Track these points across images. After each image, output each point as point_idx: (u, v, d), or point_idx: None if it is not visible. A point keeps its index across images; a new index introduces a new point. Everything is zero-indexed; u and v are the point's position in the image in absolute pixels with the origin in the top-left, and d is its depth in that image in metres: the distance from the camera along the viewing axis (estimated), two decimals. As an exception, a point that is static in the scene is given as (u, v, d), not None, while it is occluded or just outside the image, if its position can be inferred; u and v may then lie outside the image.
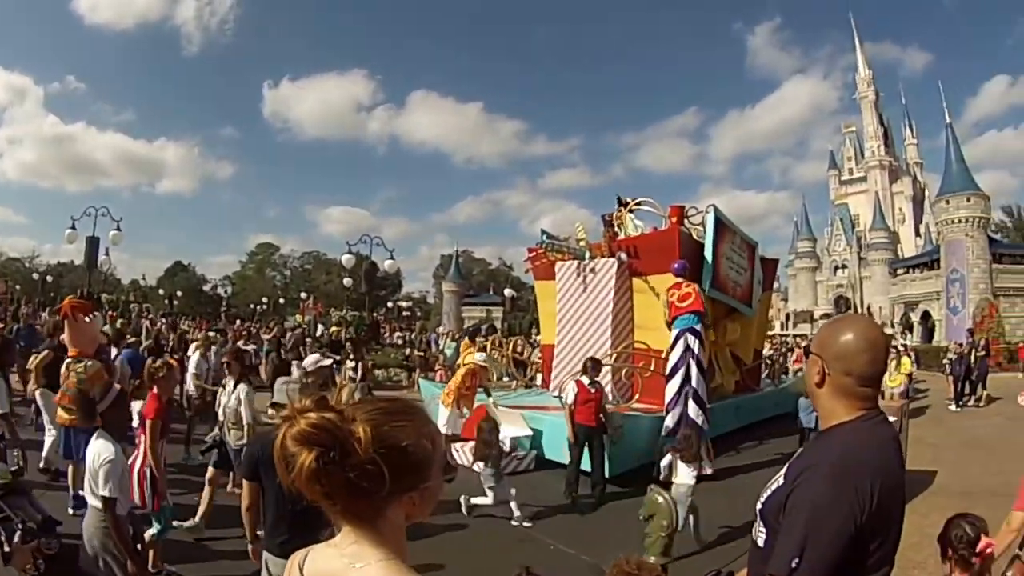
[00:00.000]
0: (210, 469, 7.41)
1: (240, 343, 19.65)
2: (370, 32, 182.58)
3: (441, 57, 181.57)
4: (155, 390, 6.10)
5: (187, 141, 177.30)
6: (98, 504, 4.24)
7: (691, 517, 7.11)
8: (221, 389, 7.71)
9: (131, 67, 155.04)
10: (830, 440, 2.07)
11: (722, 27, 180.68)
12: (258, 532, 4.13)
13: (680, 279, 11.69)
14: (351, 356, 15.71)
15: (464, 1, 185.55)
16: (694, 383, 10.97)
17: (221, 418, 7.50)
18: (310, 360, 8.36)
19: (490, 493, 8.18)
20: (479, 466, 8.44)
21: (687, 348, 11.11)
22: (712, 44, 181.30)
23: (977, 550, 3.35)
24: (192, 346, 13.55)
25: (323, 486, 1.31)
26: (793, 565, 1.85)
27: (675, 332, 11.35)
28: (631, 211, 15.06)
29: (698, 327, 11.26)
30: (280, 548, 3.83)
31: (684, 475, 7.50)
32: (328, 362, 8.07)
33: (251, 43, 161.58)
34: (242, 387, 7.32)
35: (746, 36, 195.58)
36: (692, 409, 10.77)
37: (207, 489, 7.25)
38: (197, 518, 6.98)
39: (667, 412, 10.84)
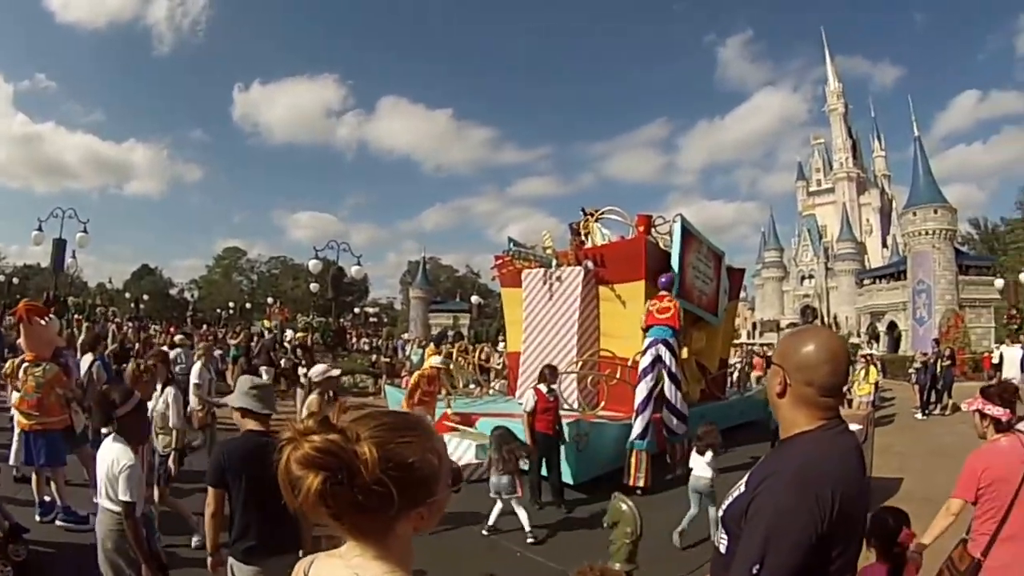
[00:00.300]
0: (154, 489, 6.88)
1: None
2: (341, 37, 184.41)
3: (411, 63, 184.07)
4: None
5: (156, 143, 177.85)
6: (115, 508, 4.20)
7: (711, 509, 7.24)
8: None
9: (102, 67, 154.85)
10: (791, 449, 2.08)
11: (693, 39, 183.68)
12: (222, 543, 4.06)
13: (665, 292, 11.96)
14: (303, 362, 15.57)
15: (435, 8, 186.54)
16: (668, 394, 11.20)
17: None
18: (318, 370, 8.23)
19: (519, 508, 7.88)
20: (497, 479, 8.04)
21: (658, 358, 11.26)
22: (683, 55, 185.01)
23: (899, 540, 3.61)
24: (194, 355, 13.26)
25: (330, 508, 1.29)
26: (754, 571, 1.86)
27: (648, 340, 11.49)
28: (598, 220, 15.05)
29: (672, 340, 11.41)
30: (245, 555, 3.80)
31: (701, 468, 7.70)
32: (336, 372, 7.95)
33: (223, 45, 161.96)
34: (170, 390, 7.17)
35: (717, 48, 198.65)
36: (668, 418, 11.14)
37: (169, 509, 6.94)
38: None
39: (636, 416, 10.92)
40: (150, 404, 6.99)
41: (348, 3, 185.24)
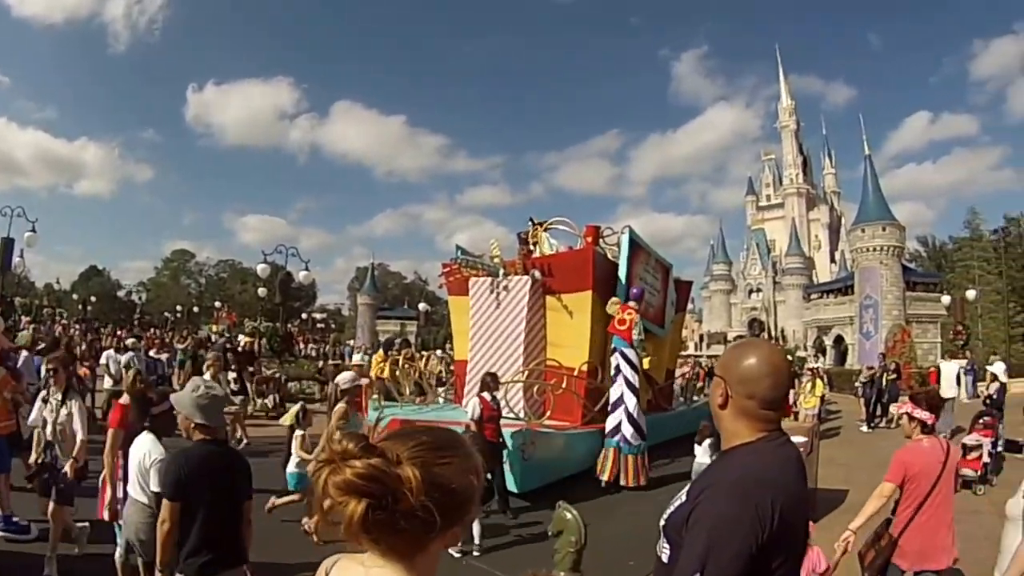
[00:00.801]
0: (50, 504, 6.31)
1: (152, 352, 19.04)
2: (298, 41, 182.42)
3: (367, 69, 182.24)
4: (122, 400, 6.05)
5: (108, 142, 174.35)
6: (145, 500, 4.52)
7: None
8: (43, 404, 6.62)
9: (56, 63, 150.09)
10: (732, 460, 2.10)
11: (649, 52, 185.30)
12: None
13: (631, 304, 12.30)
14: (232, 367, 15.32)
15: (392, 15, 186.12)
16: (626, 401, 11.50)
17: (48, 437, 6.50)
18: (345, 378, 8.04)
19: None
20: None
21: (617, 366, 11.76)
22: (638, 68, 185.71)
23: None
24: (204, 365, 12.89)
25: (371, 533, 1.26)
26: None
27: (612, 347, 12.06)
28: (547, 230, 15.05)
29: (627, 351, 11.75)
30: (200, 570, 3.64)
31: (702, 455, 8.83)
32: (365, 381, 7.76)
33: (179, 45, 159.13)
34: (74, 401, 6.52)
35: (672, 62, 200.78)
36: (624, 427, 11.32)
37: (53, 527, 6.23)
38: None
39: (610, 413, 11.56)
40: (46, 416, 6.53)
41: (306, 7, 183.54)
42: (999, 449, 11.26)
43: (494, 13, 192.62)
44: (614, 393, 11.70)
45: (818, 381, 18.76)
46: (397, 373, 15.01)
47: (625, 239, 13.84)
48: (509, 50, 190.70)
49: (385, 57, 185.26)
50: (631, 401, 11.51)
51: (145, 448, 4.64)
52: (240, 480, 3.91)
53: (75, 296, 70.99)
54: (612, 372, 11.90)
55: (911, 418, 4.86)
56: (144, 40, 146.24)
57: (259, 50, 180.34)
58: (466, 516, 1.35)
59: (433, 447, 1.32)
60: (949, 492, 4.70)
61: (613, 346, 12.05)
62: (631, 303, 12.35)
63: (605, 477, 11.05)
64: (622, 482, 10.99)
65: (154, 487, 4.29)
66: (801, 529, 2.07)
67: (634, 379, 11.73)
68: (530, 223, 15.22)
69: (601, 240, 14.41)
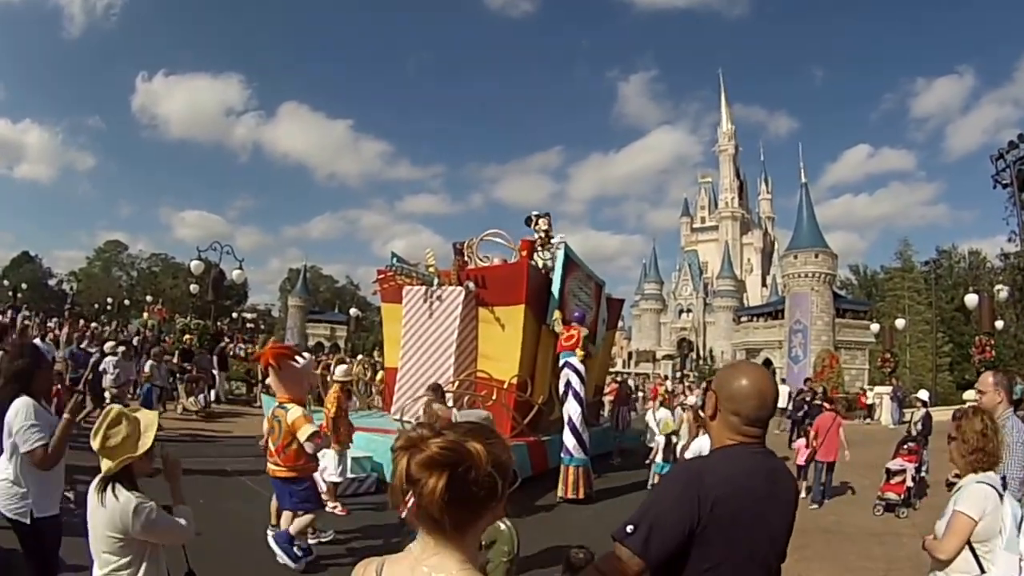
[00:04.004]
0: None
1: (84, 344, 18.51)
2: (251, 39, 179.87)
3: (317, 72, 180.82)
4: None
5: (52, 126, 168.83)
6: None
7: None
8: None
9: (8, 42, 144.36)
10: (704, 457, 2.46)
11: (596, 70, 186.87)
12: None
13: (575, 325, 12.66)
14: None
15: (346, 21, 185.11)
16: (572, 415, 11.63)
17: None
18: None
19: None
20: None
21: (568, 381, 11.98)
22: (585, 87, 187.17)
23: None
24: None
25: (448, 504, 1.46)
26: (629, 531, 2.14)
27: (561, 363, 12.32)
28: (482, 241, 15.13)
29: (576, 363, 12.07)
30: None
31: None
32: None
33: (133, 32, 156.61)
34: None
35: (619, 83, 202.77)
36: (567, 438, 11.45)
37: None
38: None
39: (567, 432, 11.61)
40: None
41: (263, 6, 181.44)
42: (923, 474, 11.67)
43: (447, 26, 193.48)
44: (569, 412, 11.74)
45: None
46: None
47: (560, 254, 13.99)
48: (460, 62, 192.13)
49: (335, 62, 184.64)
50: (575, 412, 11.59)
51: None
52: None
53: (5, 283, 68.58)
54: (562, 387, 12.07)
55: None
56: (100, 26, 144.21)
57: (213, 45, 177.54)
58: (508, 490, 1.58)
59: (480, 431, 1.58)
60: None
61: (562, 363, 12.24)
62: (574, 324, 12.65)
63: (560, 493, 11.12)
64: (559, 493, 11.05)
65: None
66: (759, 533, 2.25)
67: (582, 391, 11.95)
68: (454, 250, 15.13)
69: (535, 254, 14.47)
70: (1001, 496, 3.54)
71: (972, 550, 3.52)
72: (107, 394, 11.80)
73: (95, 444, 3.11)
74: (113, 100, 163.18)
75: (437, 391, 9.85)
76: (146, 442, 3.22)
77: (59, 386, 13.34)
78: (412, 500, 1.49)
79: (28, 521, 4.18)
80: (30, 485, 4.20)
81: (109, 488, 3.13)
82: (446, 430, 1.54)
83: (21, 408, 4.17)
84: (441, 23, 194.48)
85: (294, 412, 6.53)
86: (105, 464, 3.14)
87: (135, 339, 25.85)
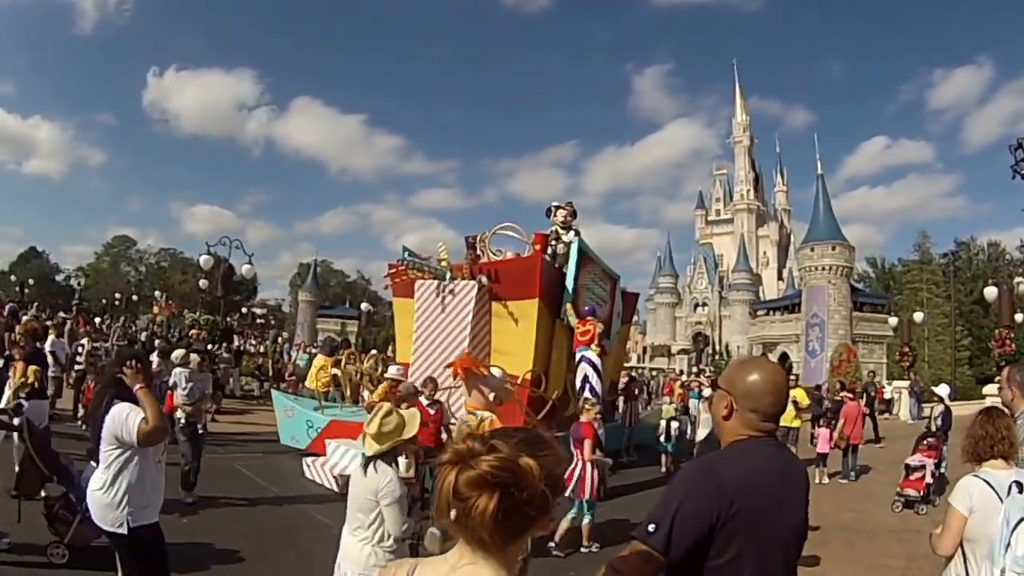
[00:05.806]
0: None
1: (85, 341, 18.33)
2: (265, 34, 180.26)
3: (330, 67, 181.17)
4: None
5: (63, 122, 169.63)
6: None
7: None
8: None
9: (19, 39, 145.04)
10: (721, 451, 2.36)
11: (612, 65, 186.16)
12: None
13: (588, 318, 12.98)
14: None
15: (359, 15, 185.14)
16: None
17: None
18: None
19: None
20: None
21: (585, 375, 12.47)
22: (600, 81, 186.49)
23: None
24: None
25: (498, 523, 1.37)
26: (651, 530, 2.11)
27: (577, 358, 12.74)
28: (494, 234, 14.88)
29: (592, 357, 12.54)
30: None
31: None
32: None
33: (145, 28, 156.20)
34: None
35: (634, 77, 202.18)
36: None
37: None
38: None
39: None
40: None
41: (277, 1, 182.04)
42: (943, 470, 11.34)
43: (462, 20, 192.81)
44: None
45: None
46: (339, 375, 14.65)
47: (574, 248, 13.80)
48: (474, 56, 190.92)
49: (350, 56, 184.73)
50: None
51: None
52: None
53: (13, 278, 68.92)
54: (579, 382, 12.22)
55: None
56: (112, 21, 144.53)
57: (226, 40, 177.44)
58: (558, 503, 1.50)
59: (532, 442, 1.47)
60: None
61: (578, 358, 12.39)
62: (590, 316, 12.76)
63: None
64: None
65: None
66: (777, 524, 2.23)
67: (599, 387, 12.20)
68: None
69: (549, 247, 14.22)
70: (1001, 497, 3.30)
71: (962, 547, 3.45)
72: (180, 413, 9.68)
73: (370, 430, 4.04)
74: (124, 95, 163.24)
75: (427, 385, 10.17)
76: (411, 430, 4.15)
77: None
78: (455, 514, 1.40)
79: (125, 532, 4.16)
80: (126, 494, 4.18)
81: (371, 464, 4.00)
82: (497, 441, 1.43)
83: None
84: (455, 17, 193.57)
85: (487, 419, 6.96)
86: (372, 446, 4.02)
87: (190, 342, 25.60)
